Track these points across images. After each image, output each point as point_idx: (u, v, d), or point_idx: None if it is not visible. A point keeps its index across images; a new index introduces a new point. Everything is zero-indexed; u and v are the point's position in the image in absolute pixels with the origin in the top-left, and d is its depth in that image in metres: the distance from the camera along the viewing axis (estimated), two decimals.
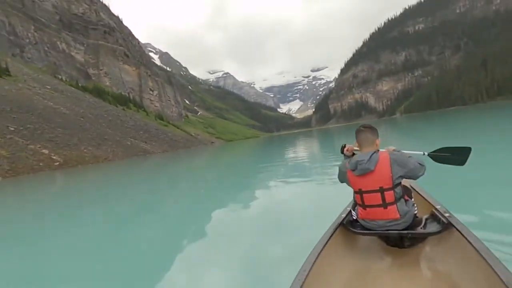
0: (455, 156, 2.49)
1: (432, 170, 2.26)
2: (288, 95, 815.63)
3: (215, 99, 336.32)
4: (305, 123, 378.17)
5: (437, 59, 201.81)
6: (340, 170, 2.12)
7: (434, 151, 2.54)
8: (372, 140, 2.00)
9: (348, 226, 2.10)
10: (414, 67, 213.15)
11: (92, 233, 5.12)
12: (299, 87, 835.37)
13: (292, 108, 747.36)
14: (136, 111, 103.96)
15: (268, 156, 19.18)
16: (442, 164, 2.37)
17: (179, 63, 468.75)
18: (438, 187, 4.02)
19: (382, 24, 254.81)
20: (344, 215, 2.18)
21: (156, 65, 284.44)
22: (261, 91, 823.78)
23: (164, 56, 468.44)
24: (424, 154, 2.41)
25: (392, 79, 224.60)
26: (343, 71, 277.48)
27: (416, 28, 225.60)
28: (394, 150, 2.05)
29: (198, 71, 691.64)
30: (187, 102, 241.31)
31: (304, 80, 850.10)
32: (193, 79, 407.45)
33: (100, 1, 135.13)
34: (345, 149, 2.22)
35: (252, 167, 13.51)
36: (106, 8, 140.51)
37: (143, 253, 3.70)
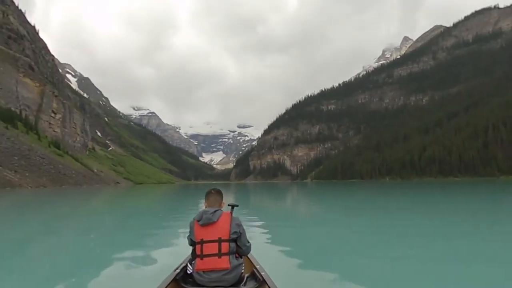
0: None
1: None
2: (212, 145, 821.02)
3: (134, 136, 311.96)
4: (225, 175, 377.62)
5: (343, 136, 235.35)
6: (190, 225, 2.41)
7: None
8: (219, 202, 2.48)
9: (181, 282, 2.22)
10: (325, 139, 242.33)
11: None
12: (224, 139, 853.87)
13: (214, 158, 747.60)
14: (25, 132, 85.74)
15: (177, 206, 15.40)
16: None
17: (100, 91, 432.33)
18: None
19: (303, 98, 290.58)
20: (178, 271, 2.32)
21: (72, 88, 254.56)
22: (185, 137, 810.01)
23: (84, 81, 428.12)
24: None
25: (307, 147, 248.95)
26: (266, 132, 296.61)
27: (329, 107, 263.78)
28: None
29: (121, 105, 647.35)
30: (98, 134, 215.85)
31: (230, 134, 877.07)
32: (112, 111, 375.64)
33: (14, 4, 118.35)
34: None
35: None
36: (20, 14, 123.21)
37: None
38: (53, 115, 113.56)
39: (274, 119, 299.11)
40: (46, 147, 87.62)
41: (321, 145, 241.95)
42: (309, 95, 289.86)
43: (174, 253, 4.50)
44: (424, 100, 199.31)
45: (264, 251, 4.47)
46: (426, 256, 4.55)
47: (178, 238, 6.07)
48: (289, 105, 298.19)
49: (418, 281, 3.53)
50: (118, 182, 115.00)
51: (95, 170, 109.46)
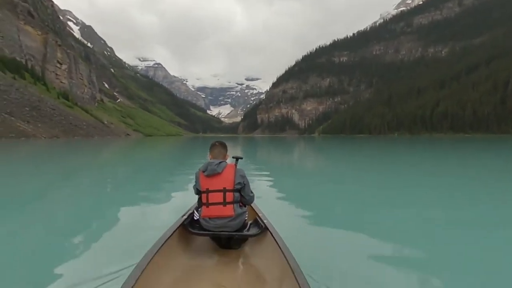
0: None
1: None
2: (220, 98, 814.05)
3: (141, 88, 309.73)
4: (233, 128, 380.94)
5: (354, 90, 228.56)
6: (195, 175, 2.50)
7: None
8: (223, 154, 2.57)
9: (188, 226, 2.42)
10: (335, 93, 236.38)
11: None
12: (232, 92, 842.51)
13: (222, 112, 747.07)
14: (32, 83, 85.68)
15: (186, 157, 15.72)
16: None
17: (104, 41, 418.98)
18: None
19: (314, 49, 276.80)
20: (185, 217, 2.51)
21: (74, 37, 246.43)
22: (193, 89, 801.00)
23: (87, 29, 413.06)
24: None
25: (316, 101, 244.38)
26: (274, 85, 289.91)
27: (341, 59, 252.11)
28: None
29: (127, 55, 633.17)
30: (106, 85, 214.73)
31: (238, 86, 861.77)
32: (117, 62, 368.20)
33: None
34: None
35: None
36: None
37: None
38: (58, 65, 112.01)
39: (283, 71, 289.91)
40: (55, 98, 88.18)
41: (331, 99, 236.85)
42: (321, 46, 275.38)
43: (182, 201, 4.69)
44: (443, 52, 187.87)
45: (267, 202, 4.58)
46: (431, 213, 4.48)
47: (186, 187, 6.27)
48: (299, 56, 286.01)
49: (420, 236, 3.48)
50: (128, 134, 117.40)
51: (106, 122, 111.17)
